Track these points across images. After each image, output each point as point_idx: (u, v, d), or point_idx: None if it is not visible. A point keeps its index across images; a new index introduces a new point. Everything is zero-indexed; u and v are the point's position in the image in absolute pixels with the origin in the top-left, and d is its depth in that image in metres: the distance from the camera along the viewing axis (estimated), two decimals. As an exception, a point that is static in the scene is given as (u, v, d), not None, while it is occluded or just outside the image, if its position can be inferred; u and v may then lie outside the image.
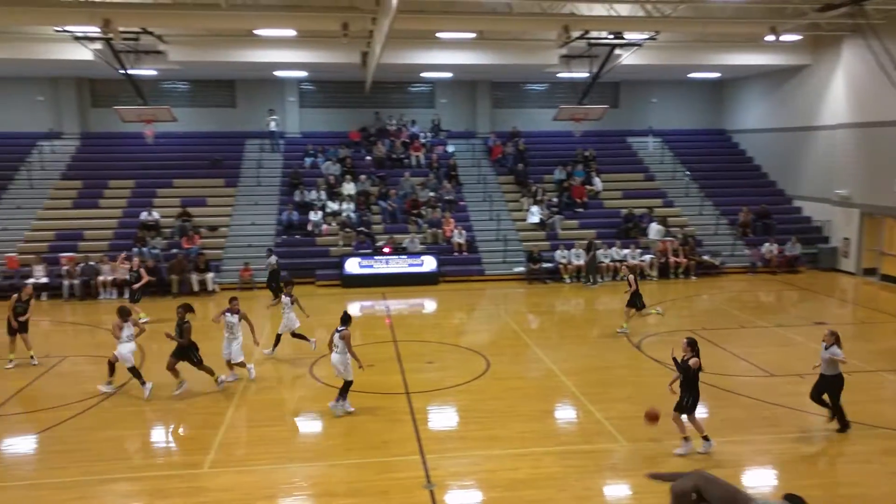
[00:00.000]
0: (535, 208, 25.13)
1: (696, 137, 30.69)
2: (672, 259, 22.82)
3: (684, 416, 9.51)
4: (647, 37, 20.85)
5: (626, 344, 15.18)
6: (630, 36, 20.78)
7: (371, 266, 22.03)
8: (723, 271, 23.31)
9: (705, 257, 23.43)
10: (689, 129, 30.90)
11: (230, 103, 28.82)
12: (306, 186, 25.33)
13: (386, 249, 22.39)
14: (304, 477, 9.04)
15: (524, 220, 25.08)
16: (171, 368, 11.87)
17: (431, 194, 25.34)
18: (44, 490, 8.71)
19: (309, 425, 10.94)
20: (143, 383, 11.91)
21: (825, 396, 10.26)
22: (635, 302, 15.77)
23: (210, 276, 21.04)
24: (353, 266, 21.93)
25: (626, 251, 22.98)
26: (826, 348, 10.06)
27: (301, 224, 23.88)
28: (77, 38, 19.48)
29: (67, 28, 18.92)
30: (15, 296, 14.02)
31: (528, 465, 9.24)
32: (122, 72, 20.97)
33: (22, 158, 25.99)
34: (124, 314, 12.07)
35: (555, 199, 25.84)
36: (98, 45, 19.85)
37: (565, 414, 11.46)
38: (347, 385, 11.01)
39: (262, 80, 27.84)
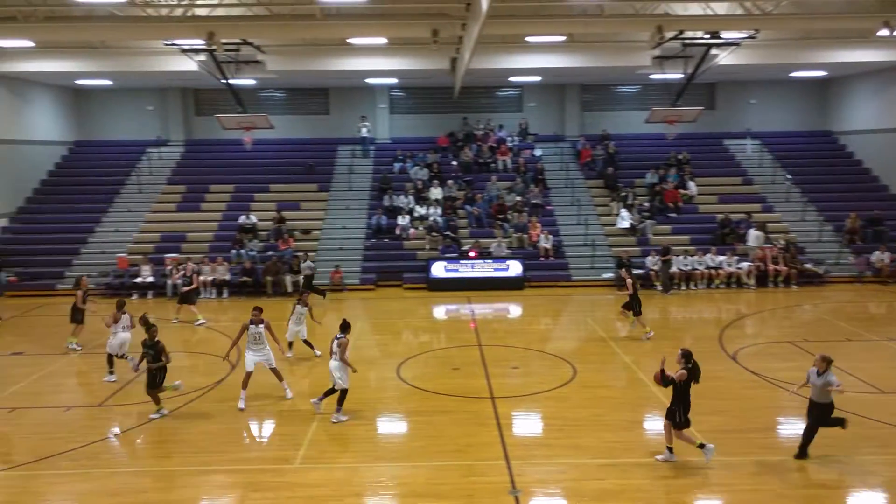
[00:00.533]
0: (625, 213, 24.54)
1: (799, 139, 29.14)
2: (771, 267, 21.74)
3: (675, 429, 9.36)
4: (745, 35, 19.97)
5: (722, 355, 14.56)
6: (727, 35, 19.97)
7: (457, 270, 22.16)
8: (826, 281, 22.03)
9: (808, 265, 22.21)
10: (791, 130, 29.38)
11: (324, 110, 29.76)
12: (395, 191, 25.79)
13: (472, 254, 22.46)
14: (390, 476, 9.17)
15: (613, 224, 24.55)
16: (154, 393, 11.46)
17: (518, 198, 25.23)
18: (146, 478, 9.25)
19: (395, 426, 11.12)
20: (111, 373, 13.25)
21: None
22: (633, 306, 15.87)
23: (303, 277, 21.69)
24: (439, 270, 22.13)
25: (721, 258, 22.09)
26: (818, 374, 9.28)
27: (390, 228, 24.33)
28: (184, 51, 20.68)
29: (175, 42, 20.10)
30: (79, 292, 15.52)
31: (616, 476, 9.02)
32: (224, 81, 22.08)
33: (133, 164, 27.84)
34: (120, 306, 13.57)
35: (646, 204, 25.17)
36: (202, 57, 20.99)
37: (655, 425, 11.07)
38: (342, 395, 10.96)
39: (354, 87, 28.60)
